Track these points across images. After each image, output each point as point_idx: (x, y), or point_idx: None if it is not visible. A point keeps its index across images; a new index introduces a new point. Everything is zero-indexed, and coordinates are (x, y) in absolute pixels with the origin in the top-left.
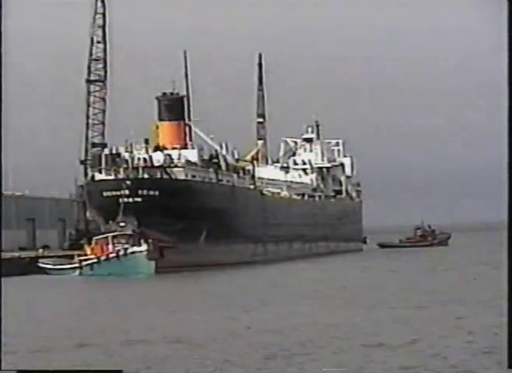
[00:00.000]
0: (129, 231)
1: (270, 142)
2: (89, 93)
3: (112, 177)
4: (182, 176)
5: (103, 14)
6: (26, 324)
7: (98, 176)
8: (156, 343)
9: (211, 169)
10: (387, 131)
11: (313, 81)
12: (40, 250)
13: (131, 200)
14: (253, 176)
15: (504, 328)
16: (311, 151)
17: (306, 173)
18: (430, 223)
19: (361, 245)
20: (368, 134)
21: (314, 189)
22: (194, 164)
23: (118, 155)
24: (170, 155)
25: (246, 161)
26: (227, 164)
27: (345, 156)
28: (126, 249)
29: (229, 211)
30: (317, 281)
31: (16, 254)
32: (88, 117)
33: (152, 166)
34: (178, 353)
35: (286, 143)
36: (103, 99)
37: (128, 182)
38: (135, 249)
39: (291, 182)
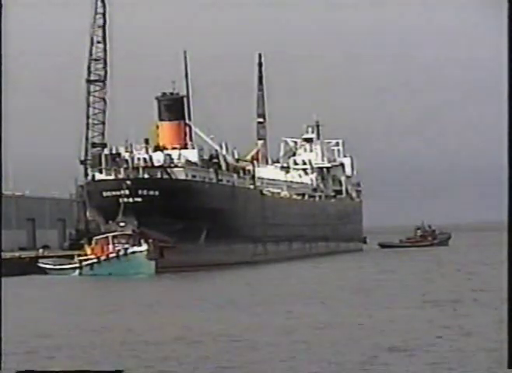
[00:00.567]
0: (129, 231)
1: (270, 142)
2: (89, 93)
3: (112, 177)
4: (182, 176)
5: (103, 14)
6: (26, 324)
7: (98, 176)
8: (157, 343)
9: (211, 169)
10: (387, 131)
11: (314, 81)
12: (40, 250)
13: (131, 200)
14: (253, 176)
15: (504, 328)
16: (311, 151)
17: (306, 173)
18: (430, 223)
19: (361, 245)
20: (368, 134)
21: (314, 189)
22: (194, 164)
23: (118, 155)
24: (170, 155)
25: (246, 161)
26: (227, 164)
27: (345, 156)
28: (126, 249)
29: (229, 211)
30: (317, 281)
31: (16, 254)
32: (88, 117)
33: (152, 166)
34: (178, 353)
35: (286, 143)
36: (103, 99)
37: (128, 182)
38: (135, 249)
39: (291, 182)
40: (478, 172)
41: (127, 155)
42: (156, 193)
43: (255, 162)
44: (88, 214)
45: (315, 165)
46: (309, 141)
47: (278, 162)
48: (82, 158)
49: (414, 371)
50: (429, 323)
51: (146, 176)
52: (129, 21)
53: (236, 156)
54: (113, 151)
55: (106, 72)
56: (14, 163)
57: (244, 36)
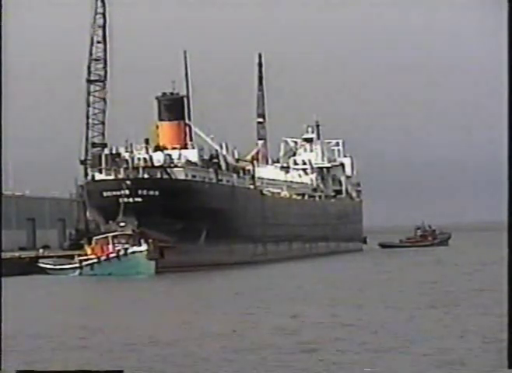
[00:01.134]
0: (129, 231)
1: (270, 142)
2: (89, 93)
3: (112, 177)
4: (182, 176)
5: (103, 14)
6: (26, 324)
7: (98, 176)
8: (157, 343)
9: (211, 169)
10: (387, 131)
11: (314, 81)
12: (40, 250)
13: (131, 200)
14: (253, 176)
15: (504, 328)
16: (311, 151)
17: (306, 173)
18: (430, 223)
19: (361, 245)
20: (368, 134)
21: (314, 190)
22: (194, 164)
23: (118, 155)
24: (170, 155)
25: (246, 161)
26: (227, 164)
27: (345, 156)
28: (126, 249)
29: (229, 211)
30: (317, 281)
31: (16, 254)
32: (88, 117)
33: (152, 166)
34: (178, 353)
35: (286, 143)
36: (103, 99)
37: (128, 182)
38: (135, 249)
39: (291, 182)
40: (478, 172)
41: (127, 155)
42: (156, 193)
43: (255, 162)
44: (88, 214)
45: (315, 165)
46: (309, 141)
47: (278, 162)
48: (82, 158)
49: (414, 371)
50: (428, 323)
51: (146, 176)
52: (129, 21)
53: (236, 156)
54: (113, 151)
55: (106, 72)
56: (14, 163)
57: (244, 36)
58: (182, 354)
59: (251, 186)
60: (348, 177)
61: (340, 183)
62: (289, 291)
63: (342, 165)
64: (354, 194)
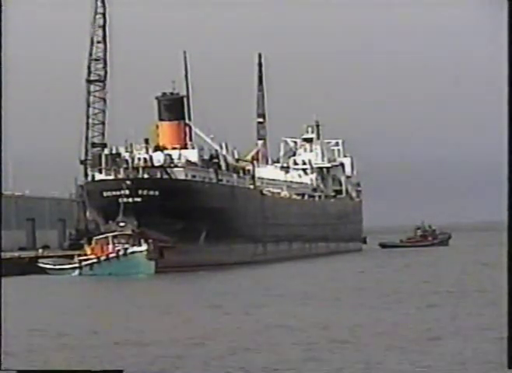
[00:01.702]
0: (129, 231)
1: (270, 142)
2: (89, 93)
3: (112, 177)
4: (182, 176)
5: (103, 14)
6: (25, 324)
7: (98, 176)
8: (157, 343)
9: (211, 169)
10: (387, 131)
11: (313, 80)
12: (40, 250)
13: (131, 200)
14: (253, 176)
15: (504, 328)
16: (311, 151)
17: (306, 173)
18: (430, 223)
19: (361, 245)
20: (368, 134)
21: (314, 190)
22: (194, 164)
23: (118, 155)
24: (170, 155)
25: (246, 161)
26: (227, 164)
27: (345, 156)
28: (126, 249)
29: (229, 211)
30: (317, 281)
31: (16, 254)
32: (88, 117)
33: (152, 166)
34: (178, 353)
35: (286, 143)
36: (103, 99)
37: (128, 182)
38: (135, 249)
39: (291, 182)
40: (478, 172)
41: (127, 155)
42: (156, 193)
43: (255, 162)
44: (88, 214)
45: (315, 165)
46: (309, 141)
47: (278, 162)
48: (82, 158)
49: (414, 371)
50: (428, 323)
51: (146, 176)
52: (129, 21)
53: (236, 156)
54: (113, 151)
55: (106, 72)
56: (14, 163)
57: (244, 36)
58: (182, 354)
59: (251, 186)
60: (348, 177)
61: (340, 183)
62: (289, 291)
63: (342, 165)
64: (354, 194)
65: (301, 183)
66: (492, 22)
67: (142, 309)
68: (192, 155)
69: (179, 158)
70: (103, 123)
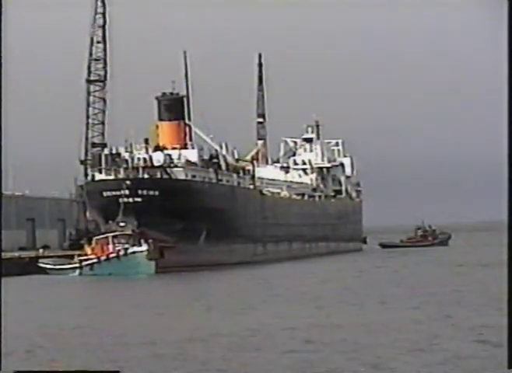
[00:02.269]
0: (129, 231)
1: (270, 142)
2: (89, 93)
3: (112, 177)
4: (182, 176)
5: (103, 14)
6: (25, 324)
7: (98, 176)
8: (156, 343)
9: (211, 169)
10: (387, 131)
11: (313, 81)
12: (40, 250)
13: (131, 200)
14: (253, 176)
15: (504, 328)
16: (311, 151)
17: (306, 173)
18: (430, 223)
19: (361, 245)
20: (368, 134)
21: (314, 190)
22: (194, 164)
23: (118, 155)
24: (170, 155)
25: (246, 161)
26: (227, 164)
27: (345, 156)
28: (126, 249)
29: (229, 211)
30: (317, 281)
31: (16, 254)
32: (88, 117)
33: (152, 166)
34: (178, 353)
35: (286, 143)
36: (103, 99)
37: (128, 182)
38: (136, 249)
39: (291, 182)
40: (478, 172)
41: (127, 155)
42: (156, 193)
43: (255, 162)
44: (88, 214)
45: (315, 165)
46: (309, 141)
47: (278, 162)
48: (82, 158)
49: (414, 371)
50: (427, 323)
51: (146, 176)
52: (129, 21)
53: (236, 156)
54: (113, 151)
55: (106, 72)
56: (14, 163)
57: (244, 36)
58: (182, 354)
59: (251, 186)
60: (348, 177)
61: (340, 183)
62: (289, 291)
63: (342, 165)
64: (354, 194)
65: (301, 183)
66: (493, 22)
67: (142, 309)
68: (192, 155)
69: (179, 158)
70: (103, 123)
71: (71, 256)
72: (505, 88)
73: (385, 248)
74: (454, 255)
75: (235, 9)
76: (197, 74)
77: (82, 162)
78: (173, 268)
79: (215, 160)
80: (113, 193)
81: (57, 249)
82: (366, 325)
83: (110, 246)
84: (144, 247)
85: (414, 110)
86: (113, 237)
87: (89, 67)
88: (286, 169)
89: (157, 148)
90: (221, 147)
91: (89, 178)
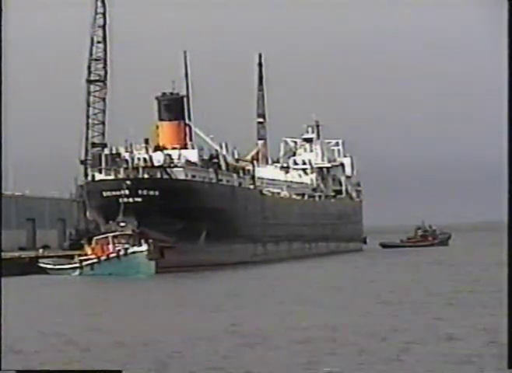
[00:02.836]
0: (129, 231)
1: (270, 142)
2: (89, 93)
3: (112, 177)
4: (182, 176)
5: (103, 14)
6: (26, 324)
7: (98, 176)
8: (156, 343)
9: (211, 169)
10: (387, 131)
11: (314, 81)
12: (40, 250)
13: (131, 200)
14: (253, 176)
15: (504, 328)
16: (311, 151)
17: (306, 173)
18: (430, 223)
19: (361, 246)
20: (368, 134)
21: (314, 190)
22: (194, 164)
23: (118, 155)
24: (170, 155)
25: (246, 161)
26: (227, 164)
27: (345, 156)
28: (126, 249)
29: (229, 211)
30: (317, 281)
31: (16, 254)
32: (88, 117)
33: (152, 166)
34: (177, 353)
35: (286, 143)
36: (103, 99)
37: (128, 182)
38: (136, 249)
39: (291, 182)
40: (478, 172)
41: (127, 155)
42: (156, 193)
43: (255, 162)
44: (88, 214)
45: (315, 165)
46: (309, 141)
47: (278, 162)
48: (82, 158)
49: (413, 371)
50: (427, 323)
51: (146, 176)
52: (129, 21)
53: (236, 156)
54: (113, 151)
55: (106, 72)
56: (14, 163)
57: (244, 36)
58: (182, 354)
59: (251, 186)
60: (348, 177)
61: (340, 183)
62: (289, 291)
63: (342, 165)
64: (354, 194)
65: (301, 182)
66: (493, 22)
67: (142, 309)
68: (192, 155)
69: (179, 158)
70: (103, 123)
71: (72, 256)
72: (505, 88)
73: (385, 248)
74: (454, 255)
75: (235, 9)
76: (197, 74)
77: (82, 162)
78: (173, 268)
79: (215, 160)
80: (114, 193)
81: (57, 249)
82: (364, 325)
83: (110, 246)
84: (144, 247)
85: (414, 110)
86: (114, 237)
87: (89, 67)
88: (286, 169)
89: (157, 148)
90: (221, 147)
91: (89, 178)
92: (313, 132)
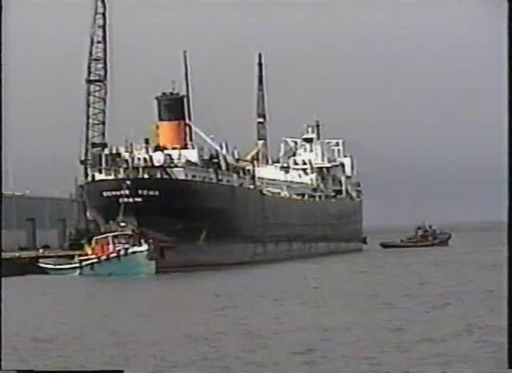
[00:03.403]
0: (129, 231)
1: (270, 142)
2: (89, 93)
3: (112, 177)
4: (182, 176)
5: (103, 14)
6: (26, 324)
7: (98, 176)
8: (157, 343)
9: (211, 169)
10: (387, 131)
11: (314, 81)
12: (40, 250)
13: (131, 200)
14: (253, 176)
15: (504, 328)
16: (311, 151)
17: (306, 173)
18: (430, 223)
19: (361, 246)
20: (368, 134)
21: (314, 190)
22: (194, 164)
23: (118, 155)
24: (170, 155)
25: (246, 161)
26: (227, 164)
27: (345, 156)
28: (127, 248)
29: (229, 211)
30: (317, 282)
31: (16, 254)
32: (88, 117)
33: (152, 166)
34: (177, 353)
35: (286, 143)
36: (103, 99)
37: (128, 182)
38: (136, 248)
39: (291, 182)
40: (478, 172)
41: (127, 155)
42: (156, 193)
43: (255, 162)
44: (88, 214)
45: (315, 165)
46: (309, 141)
47: (278, 162)
48: (82, 158)
49: (414, 371)
50: (428, 324)
51: (146, 176)
52: (129, 21)
53: (236, 156)
54: (114, 151)
55: (106, 72)
56: (14, 163)
57: (244, 36)
58: (182, 354)
59: (251, 186)
60: (348, 177)
61: (340, 182)
62: (289, 292)
63: (342, 165)
64: (354, 194)
65: (301, 182)
66: (492, 22)
67: (143, 309)
68: (192, 155)
69: (179, 158)
70: (103, 123)
71: (72, 256)
72: (505, 88)
73: (386, 248)
74: (454, 255)
75: (235, 9)
76: (197, 74)
77: (82, 162)
78: (173, 268)
79: (215, 160)
80: (114, 193)
81: (57, 249)
82: (364, 326)
83: (111, 246)
84: (144, 247)
85: (414, 110)
86: (114, 237)
87: (89, 67)
88: (286, 169)
89: (157, 148)
90: (221, 147)
91: (89, 178)
92: (313, 132)
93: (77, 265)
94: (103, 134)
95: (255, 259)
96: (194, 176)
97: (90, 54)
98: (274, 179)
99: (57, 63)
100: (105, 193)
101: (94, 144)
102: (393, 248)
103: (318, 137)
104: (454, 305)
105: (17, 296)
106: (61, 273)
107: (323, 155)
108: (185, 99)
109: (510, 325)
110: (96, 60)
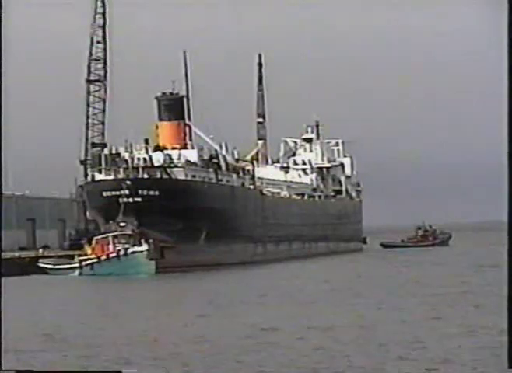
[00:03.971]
0: (129, 231)
1: (270, 142)
2: (89, 93)
3: (112, 177)
4: (182, 176)
5: (103, 14)
6: (26, 324)
7: (98, 176)
8: (156, 343)
9: (211, 169)
10: (387, 131)
11: (314, 81)
12: (40, 250)
13: (131, 200)
14: (253, 176)
15: (504, 328)
16: (311, 151)
17: (306, 173)
18: (431, 223)
19: (361, 245)
20: (368, 134)
21: (314, 190)
22: (194, 164)
23: (118, 155)
24: (170, 155)
25: (246, 161)
26: (227, 164)
27: (345, 156)
28: (126, 248)
29: (229, 211)
30: (317, 282)
31: (16, 254)
32: (88, 117)
33: (152, 166)
34: (177, 353)
35: (286, 143)
36: (103, 99)
37: (128, 182)
38: (136, 248)
39: (291, 182)
40: (478, 172)
41: (127, 155)
42: (156, 193)
43: (255, 162)
44: (88, 214)
45: (315, 165)
46: (309, 141)
47: (278, 162)
48: (82, 158)
49: (413, 371)
50: (428, 324)
51: (146, 176)
52: (129, 21)
53: (236, 156)
54: (113, 151)
55: (106, 72)
56: (14, 163)
57: (244, 36)
58: (182, 354)
59: (251, 186)
60: (348, 177)
61: (340, 183)
62: (288, 292)
63: (342, 165)
64: (354, 194)
65: (301, 183)
66: (492, 22)
67: (143, 309)
68: (192, 155)
69: (179, 158)
70: (103, 123)
71: (72, 256)
72: (505, 89)
73: (386, 248)
74: (454, 255)
75: (235, 9)
76: (197, 74)
77: (82, 162)
78: (173, 268)
79: (215, 160)
80: (113, 193)
81: (57, 249)
82: (363, 326)
83: (111, 246)
84: (144, 247)
85: (414, 110)
86: (114, 237)
87: (89, 67)
88: (286, 169)
89: (157, 148)
90: (221, 147)
91: (89, 178)
92: (313, 132)
93: (77, 265)
94: (103, 134)
95: (255, 259)
96: (194, 176)
97: (90, 54)
98: (274, 179)
99: (57, 63)
100: (105, 193)
101: (94, 144)
102: (393, 248)
103: (318, 137)
104: (454, 305)
105: (17, 296)
106: (61, 273)
107: (323, 155)
108: (185, 99)
109: (510, 325)
110: (96, 60)
